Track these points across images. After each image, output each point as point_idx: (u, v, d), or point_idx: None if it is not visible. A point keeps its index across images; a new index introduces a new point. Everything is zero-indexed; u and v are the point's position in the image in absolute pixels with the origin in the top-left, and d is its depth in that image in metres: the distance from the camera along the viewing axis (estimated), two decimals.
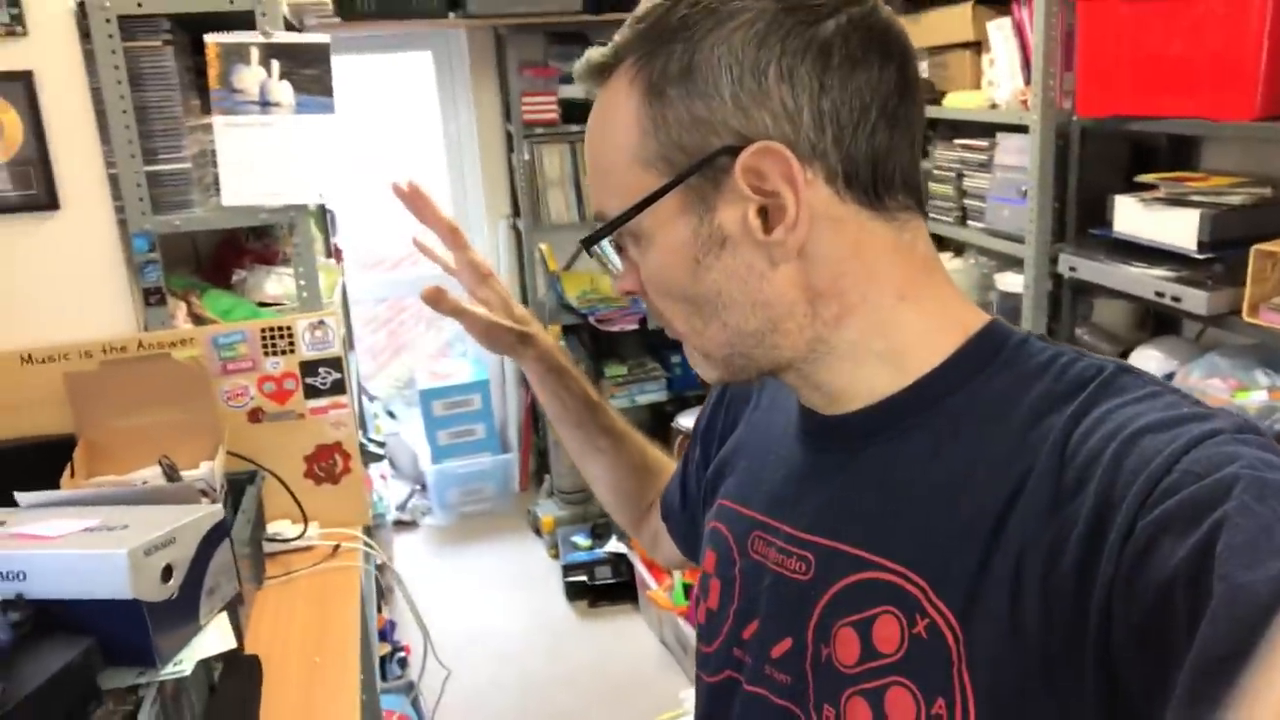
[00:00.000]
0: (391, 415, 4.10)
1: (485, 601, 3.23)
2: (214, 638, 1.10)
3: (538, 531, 3.56)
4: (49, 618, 0.99)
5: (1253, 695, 0.36)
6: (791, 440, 0.69)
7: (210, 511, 1.13)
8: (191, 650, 1.06)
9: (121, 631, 1.00)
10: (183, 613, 1.07)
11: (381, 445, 3.96)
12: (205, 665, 1.11)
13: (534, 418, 3.84)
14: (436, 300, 0.89)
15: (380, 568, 2.52)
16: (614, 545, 3.20)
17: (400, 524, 3.75)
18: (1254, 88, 1.68)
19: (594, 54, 0.62)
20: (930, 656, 0.54)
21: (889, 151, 0.58)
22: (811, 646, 0.62)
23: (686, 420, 3.27)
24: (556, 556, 3.36)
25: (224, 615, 1.13)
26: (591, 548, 3.27)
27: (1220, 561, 0.41)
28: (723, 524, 0.74)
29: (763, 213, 0.58)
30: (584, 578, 3.14)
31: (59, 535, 1.04)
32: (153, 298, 1.60)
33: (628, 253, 0.63)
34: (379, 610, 2.56)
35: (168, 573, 1.04)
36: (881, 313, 0.61)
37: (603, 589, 3.13)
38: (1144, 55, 1.87)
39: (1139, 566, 0.45)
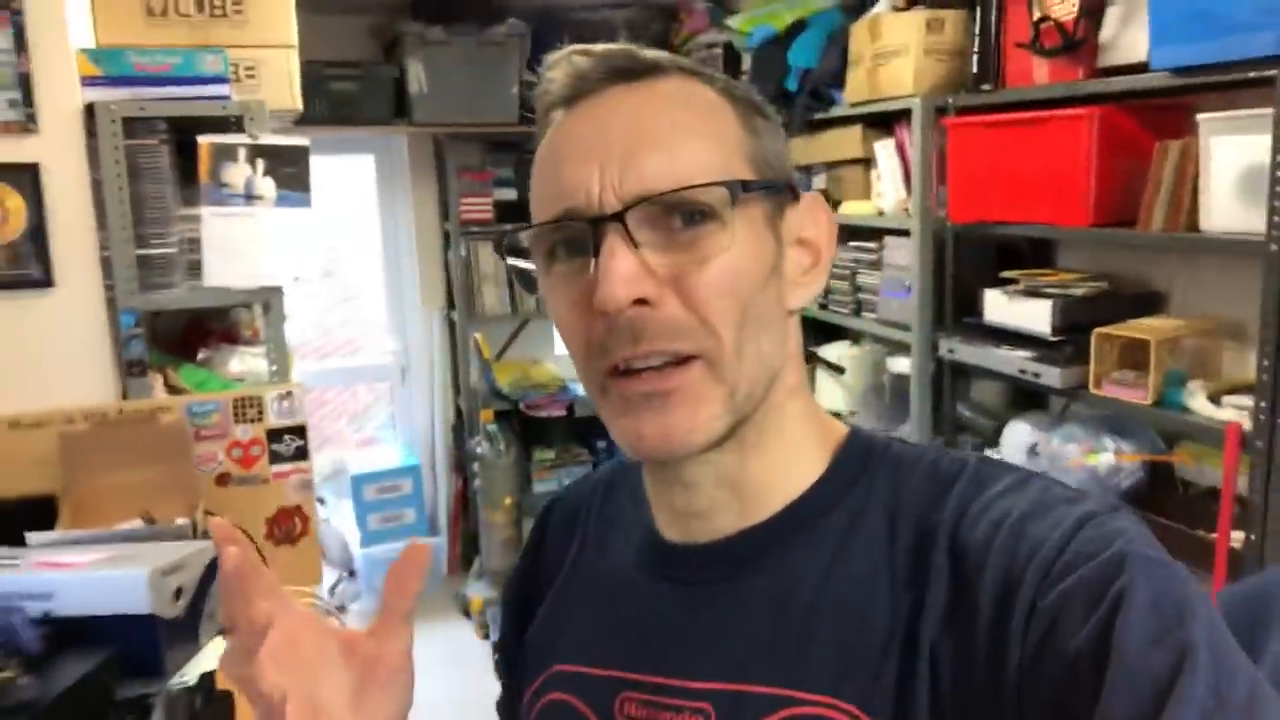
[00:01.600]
0: (321, 502, 4.17)
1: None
2: (212, 657, 1.24)
3: (466, 613, 3.65)
4: (72, 633, 1.13)
5: None
6: (642, 582, 0.64)
7: (211, 544, 1.29)
8: (194, 666, 1.20)
9: (137, 644, 1.15)
10: (188, 631, 1.22)
11: None
12: (189, 693, 1.24)
13: (464, 502, 3.97)
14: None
15: None
16: None
17: (327, 612, 3.79)
18: (1087, 200, 2.03)
19: (635, 54, 0.58)
20: None
21: None
22: None
23: None
24: (486, 636, 3.45)
25: (220, 639, 1.27)
26: None
27: (1118, 634, 0.46)
28: (570, 694, 0.64)
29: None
30: None
31: (82, 561, 1.19)
32: (135, 369, 1.76)
33: (668, 238, 0.55)
34: None
35: (179, 593, 1.19)
36: (805, 401, 0.62)
37: None
38: (1002, 172, 2.23)
39: (1044, 644, 0.48)
